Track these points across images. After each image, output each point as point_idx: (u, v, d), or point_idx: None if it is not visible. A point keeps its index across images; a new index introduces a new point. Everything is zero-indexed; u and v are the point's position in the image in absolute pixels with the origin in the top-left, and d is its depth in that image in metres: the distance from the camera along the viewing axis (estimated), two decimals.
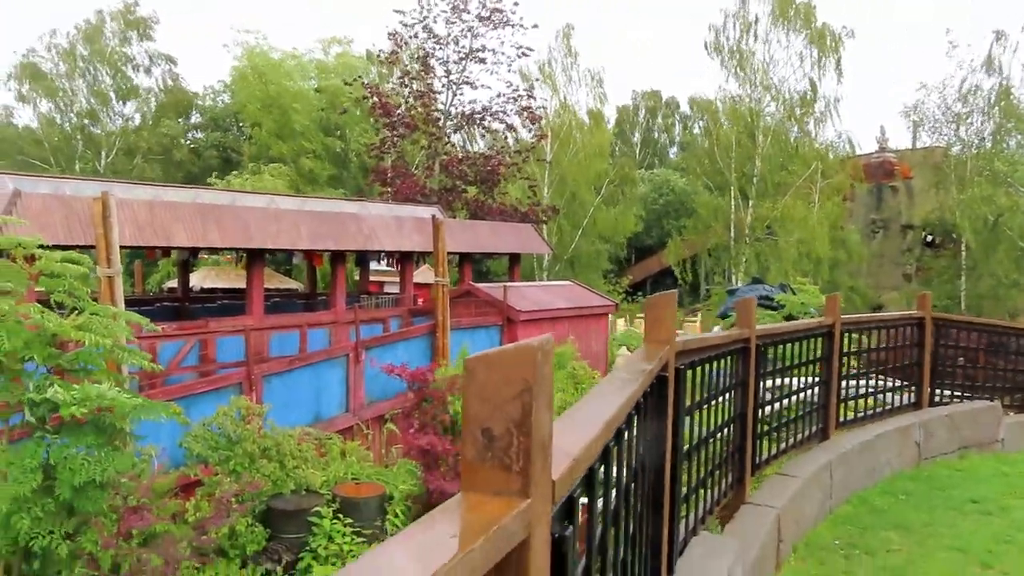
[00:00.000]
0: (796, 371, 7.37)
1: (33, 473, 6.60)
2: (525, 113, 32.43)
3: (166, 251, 18.85)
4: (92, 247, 10.00)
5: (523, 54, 32.78)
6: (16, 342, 6.65)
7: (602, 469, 2.24)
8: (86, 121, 38.99)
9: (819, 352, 7.92)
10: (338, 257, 16.48)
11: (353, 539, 9.12)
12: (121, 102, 39.97)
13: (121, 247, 9.91)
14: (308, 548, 9.08)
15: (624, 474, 2.71)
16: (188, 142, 42.15)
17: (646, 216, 44.33)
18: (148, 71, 40.58)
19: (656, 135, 59.99)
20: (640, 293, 39.69)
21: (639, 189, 44.54)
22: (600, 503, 2.29)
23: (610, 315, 21.03)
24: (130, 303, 10.02)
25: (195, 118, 44.50)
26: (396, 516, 10.23)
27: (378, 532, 9.67)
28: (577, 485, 1.81)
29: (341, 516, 9.29)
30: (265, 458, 9.61)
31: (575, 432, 1.94)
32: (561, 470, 1.58)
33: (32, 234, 7.86)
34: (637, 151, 56.41)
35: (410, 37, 31.95)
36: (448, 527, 1.28)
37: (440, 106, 32.58)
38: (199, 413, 10.13)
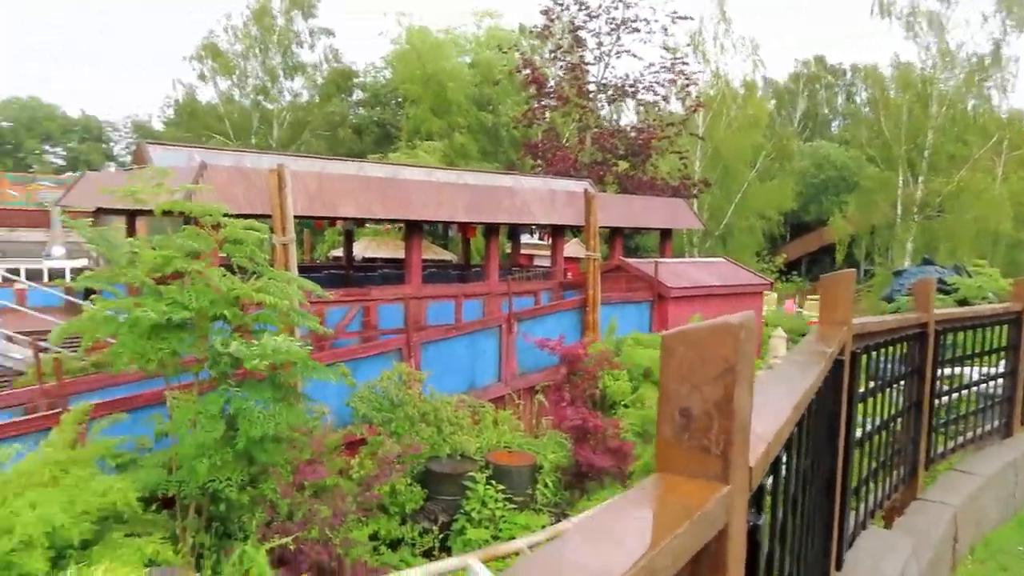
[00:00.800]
0: (976, 360, 6.78)
1: (217, 423, 7.19)
2: (678, 84, 31.50)
3: (333, 221, 19.90)
4: (268, 216, 10.69)
5: (677, 20, 31.74)
6: (204, 301, 7.24)
7: (785, 455, 2.14)
8: (259, 97, 41.68)
9: (1004, 341, 7.23)
10: (492, 229, 16.77)
11: (505, 505, 9.34)
12: (289, 78, 42.38)
13: (294, 217, 10.53)
14: (462, 511, 9.39)
15: (802, 461, 2.58)
16: (351, 118, 44.12)
17: (804, 191, 42.04)
18: (312, 47, 42.74)
19: (817, 106, 56.58)
20: (795, 272, 37.80)
21: (798, 163, 42.24)
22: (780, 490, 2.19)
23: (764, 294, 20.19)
24: (301, 270, 10.66)
25: (357, 95, 46.52)
26: (546, 486, 10.38)
27: (528, 500, 9.84)
28: (768, 472, 1.73)
29: (494, 482, 9.54)
30: (424, 422, 9.99)
31: (762, 416, 1.85)
32: (756, 455, 1.50)
33: (216, 203, 8.48)
34: (796, 122, 53.49)
35: (561, 11, 31.73)
36: (644, 510, 1.25)
37: (591, 79, 32.25)
38: (363, 376, 10.66)
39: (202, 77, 40.66)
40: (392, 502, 9.15)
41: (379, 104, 45.31)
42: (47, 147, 70.87)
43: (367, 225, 27.76)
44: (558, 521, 9.59)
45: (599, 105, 32.94)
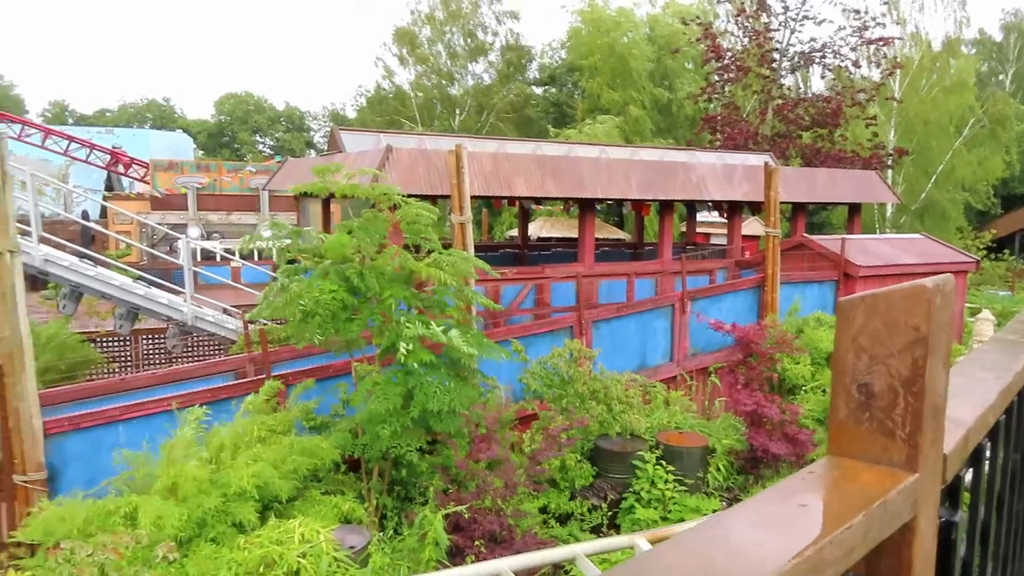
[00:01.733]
0: None
1: (396, 395, 7.58)
2: (872, 46, 29.10)
3: (511, 201, 20.28)
4: (447, 196, 11.06)
5: None
6: (382, 281, 7.62)
7: (989, 445, 1.90)
8: (444, 81, 43.21)
9: None
10: (666, 207, 16.39)
11: (675, 487, 9.16)
12: (473, 61, 43.56)
13: (471, 197, 10.82)
14: (631, 490, 9.31)
15: (1010, 455, 2.29)
16: (530, 100, 44.73)
17: (1021, 161, 37.55)
18: (495, 32, 43.62)
19: None
20: (1007, 250, 33.97)
21: (1015, 127, 37.73)
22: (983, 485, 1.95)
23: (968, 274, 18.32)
24: (477, 249, 10.96)
25: (534, 75, 47.06)
26: (718, 470, 10.07)
27: (699, 483, 9.59)
28: (966, 462, 1.54)
29: (664, 463, 9.37)
30: (594, 400, 9.99)
31: (960, 399, 1.65)
32: (953, 442, 1.33)
33: (398, 185, 8.88)
34: (1008, 84, 47.73)
35: None
36: (812, 495, 1.13)
37: (776, 45, 30.55)
38: (535, 352, 10.82)
39: (402, 60, 42.64)
40: (562, 477, 9.24)
41: (555, 84, 45.57)
42: (257, 137, 77.62)
43: (543, 205, 28.10)
44: (729, 506, 9.26)
45: (782, 74, 31.18)
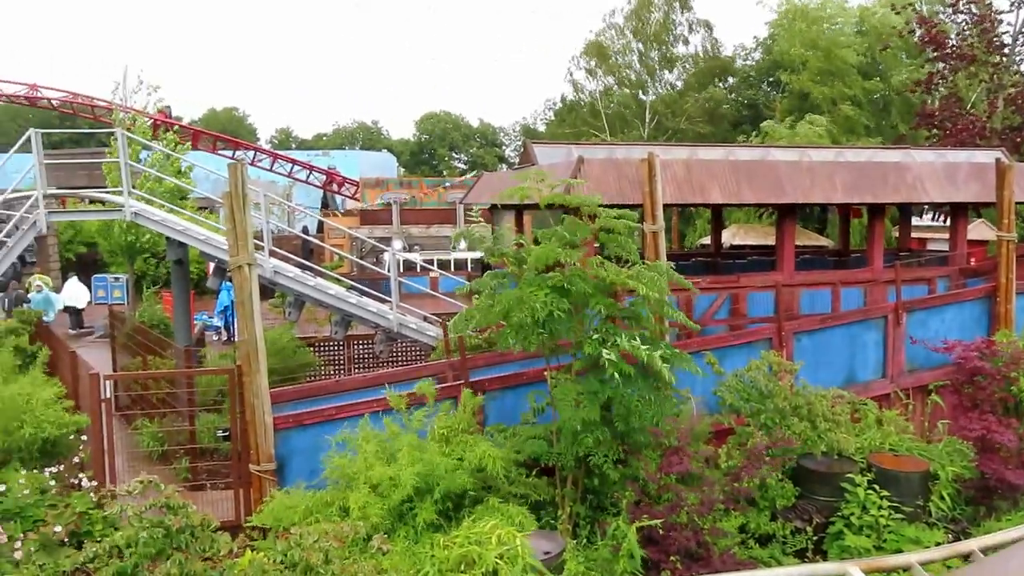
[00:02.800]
0: None
1: (595, 403, 7.64)
2: None
3: (702, 207, 19.79)
4: (638, 205, 10.99)
5: None
6: (583, 289, 7.71)
7: None
8: (634, 91, 43.09)
9: None
10: (876, 211, 15.24)
11: (891, 514, 8.49)
12: (665, 71, 43.09)
13: (663, 205, 10.69)
14: (839, 514, 8.75)
15: None
16: (724, 104, 43.53)
17: None
18: (686, 41, 42.90)
19: None
20: None
21: None
22: None
23: None
24: (668, 257, 10.78)
25: (728, 80, 45.72)
26: (942, 498, 9.20)
27: (919, 512, 8.82)
28: None
29: (877, 487, 8.71)
30: (796, 416, 9.50)
31: None
32: None
33: (591, 195, 8.95)
34: None
35: None
36: None
37: (1007, 28, 27.49)
38: (731, 365, 10.46)
39: (591, 73, 43.16)
40: (761, 496, 8.86)
41: (751, 87, 43.97)
42: (453, 154, 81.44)
43: (735, 211, 27.14)
44: (957, 539, 8.42)
45: (1015, 60, 27.98)
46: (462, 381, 9.37)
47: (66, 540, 8.02)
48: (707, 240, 25.50)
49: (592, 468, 7.96)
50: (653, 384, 7.96)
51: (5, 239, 12.48)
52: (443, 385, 9.54)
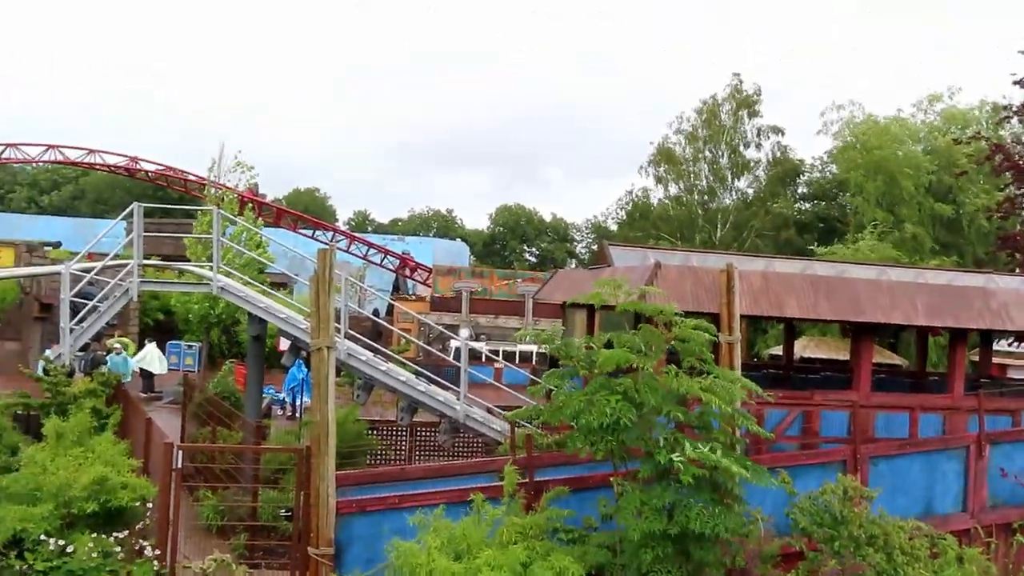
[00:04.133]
0: None
1: (659, 515, 7.45)
2: None
3: (777, 320, 19.50)
4: (713, 314, 10.94)
5: None
6: (654, 398, 7.66)
7: None
8: (705, 197, 43.40)
9: None
10: (958, 336, 14.78)
11: None
12: (736, 178, 43.39)
13: (739, 316, 10.63)
14: None
15: None
16: (794, 214, 43.40)
17: None
18: (758, 146, 43.27)
19: None
20: None
21: None
22: None
23: None
24: (741, 368, 10.62)
25: (802, 189, 45.72)
26: None
27: None
28: None
29: None
30: (871, 546, 9.04)
31: None
32: None
33: (668, 302, 8.99)
34: None
35: None
36: None
37: None
38: (802, 485, 10.07)
39: (659, 180, 43.75)
40: None
41: (824, 198, 43.83)
42: (525, 246, 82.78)
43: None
44: None
45: None
46: (527, 480, 9.27)
47: None
48: (778, 350, 25.02)
49: None
50: (720, 498, 7.75)
51: (98, 304, 13.15)
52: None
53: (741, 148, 43.04)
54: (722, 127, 42.40)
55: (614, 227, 51.91)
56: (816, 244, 35.45)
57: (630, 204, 46.77)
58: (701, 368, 8.33)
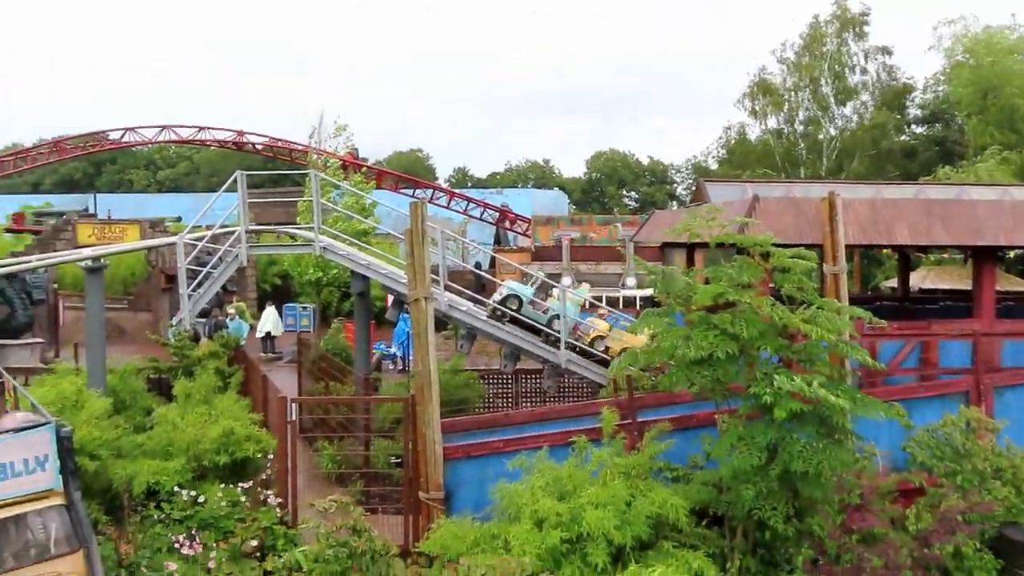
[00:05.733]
0: None
1: (758, 451, 7.28)
2: None
3: (887, 248, 18.55)
4: (817, 246, 10.48)
5: None
6: (752, 331, 7.43)
7: None
8: (809, 128, 41.30)
9: None
10: None
11: None
12: (841, 104, 41.03)
13: (845, 246, 10.14)
14: None
15: None
16: (906, 137, 40.74)
17: None
18: (863, 70, 40.68)
19: None
20: None
21: None
22: None
23: None
24: (851, 301, 10.16)
25: (913, 112, 42.83)
26: None
27: None
28: None
29: None
30: (998, 479, 8.60)
31: None
32: None
33: (766, 234, 8.65)
34: None
35: None
36: None
37: None
38: (920, 418, 9.62)
39: (753, 114, 42.02)
40: (956, 567, 8.02)
41: (937, 121, 40.88)
42: (623, 191, 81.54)
43: (923, 255, 25.14)
44: None
45: None
46: (629, 420, 9.26)
47: (250, 553, 8.69)
48: (894, 283, 23.78)
49: (763, 521, 7.56)
50: (827, 431, 7.49)
51: (212, 271, 13.86)
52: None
53: (846, 73, 40.55)
54: (825, 52, 40.00)
55: (714, 166, 50.27)
56: (930, 170, 33.17)
57: (729, 141, 45.08)
58: (803, 299, 8.01)
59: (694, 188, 16.28)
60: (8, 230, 35.00)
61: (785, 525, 7.43)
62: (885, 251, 19.78)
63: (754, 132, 43.44)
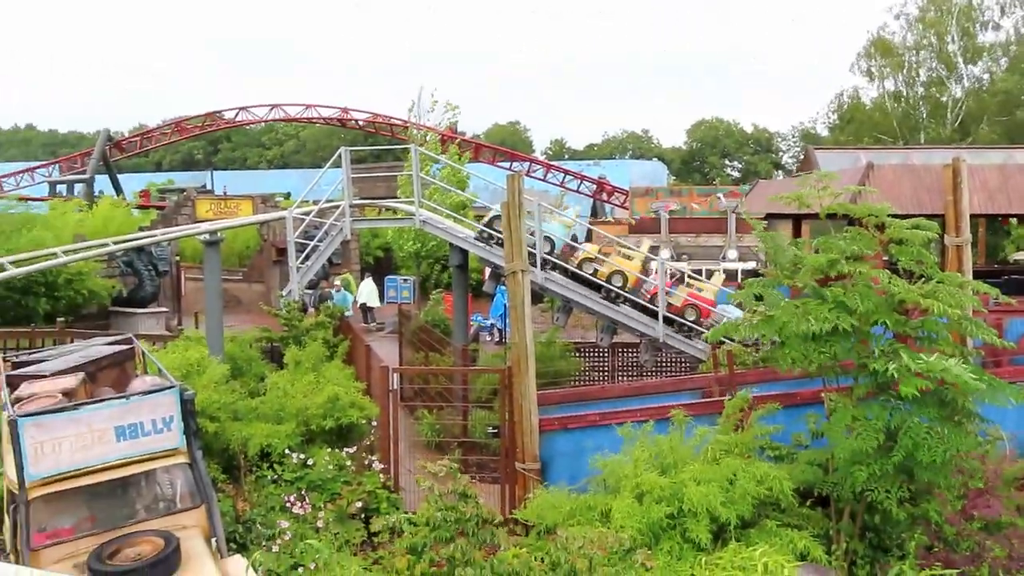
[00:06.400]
0: None
1: (876, 433, 6.92)
2: None
3: (1014, 217, 17.30)
4: (937, 216, 9.85)
5: None
6: (867, 305, 7.04)
7: None
8: (931, 90, 38.80)
9: None
10: None
11: None
12: (969, 64, 38.29)
13: (970, 215, 9.50)
14: None
15: None
16: None
17: None
18: (997, 25, 37.75)
19: None
20: None
21: None
22: None
23: None
24: (975, 274, 9.52)
25: None
26: None
27: None
28: None
29: None
30: None
31: None
32: None
33: (882, 203, 8.17)
34: None
35: None
36: None
37: None
38: None
39: (869, 75, 39.82)
40: None
41: None
42: (725, 161, 79.14)
43: None
44: None
45: None
46: (729, 397, 9.02)
47: (355, 514, 9.01)
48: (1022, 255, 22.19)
49: (873, 503, 7.23)
50: (949, 415, 7.04)
51: (318, 244, 14.30)
52: (709, 400, 9.26)
53: (976, 29, 37.75)
54: (953, 5, 37.31)
55: (824, 132, 48.01)
56: None
57: (841, 106, 42.90)
58: (922, 273, 7.54)
59: (802, 156, 15.58)
60: (136, 206, 37.25)
61: (898, 509, 7.08)
62: (1011, 221, 18.41)
63: (869, 95, 41.20)
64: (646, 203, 36.00)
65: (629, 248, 13.78)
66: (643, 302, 12.80)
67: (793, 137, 76.02)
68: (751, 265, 28.36)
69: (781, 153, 78.96)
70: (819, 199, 7.95)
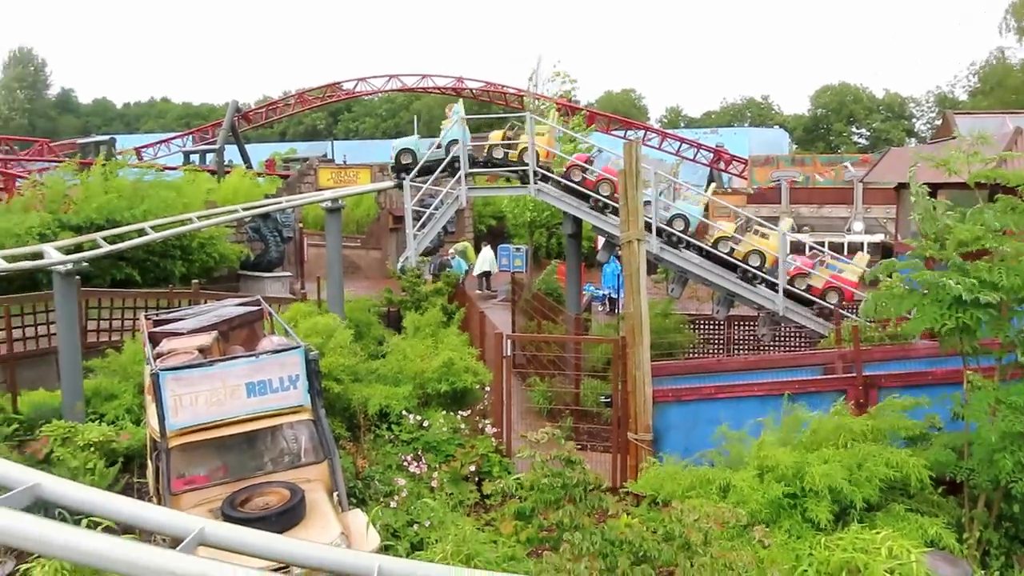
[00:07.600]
0: None
1: (1021, 415, 6.46)
2: None
3: None
4: None
5: None
6: (1015, 280, 6.55)
7: None
8: None
9: None
10: None
11: None
12: None
13: None
14: None
15: None
16: None
17: None
18: None
19: None
20: None
21: None
22: None
23: None
24: None
25: None
26: None
27: None
28: None
29: None
30: None
31: None
32: None
33: None
34: None
35: None
36: None
37: None
38: None
39: (1020, 32, 36.68)
40: None
41: None
42: (853, 128, 74.98)
43: None
44: None
45: None
46: (854, 375, 8.64)
47: (468, 476, 9.24)
48: None
49: (1012, 493, 6.77)
50: None
51: (434, 212, 14.58)
52: (832, 377, 8.91)
53: None
54: None
55: (963, 97, 44.64)
56: None
57: (985, 68, 39.71)
58: None
59: (939, 122, 14.53)
60: (261, 174, 39.08)
61: None
62: None
63: (1019, 55, 37.94)
64: (766, 172, 34.70)
65: (767, 227, 13.30)
66: (785, 284, 12.41)
67: (927, 103, 71.15)
68: (878, 238, 26.90)
69: (914, 120, 74.10)
70: (968, 165, 7.37)
